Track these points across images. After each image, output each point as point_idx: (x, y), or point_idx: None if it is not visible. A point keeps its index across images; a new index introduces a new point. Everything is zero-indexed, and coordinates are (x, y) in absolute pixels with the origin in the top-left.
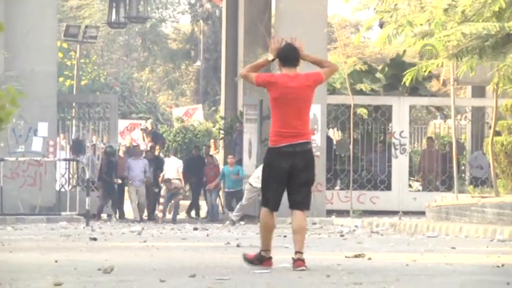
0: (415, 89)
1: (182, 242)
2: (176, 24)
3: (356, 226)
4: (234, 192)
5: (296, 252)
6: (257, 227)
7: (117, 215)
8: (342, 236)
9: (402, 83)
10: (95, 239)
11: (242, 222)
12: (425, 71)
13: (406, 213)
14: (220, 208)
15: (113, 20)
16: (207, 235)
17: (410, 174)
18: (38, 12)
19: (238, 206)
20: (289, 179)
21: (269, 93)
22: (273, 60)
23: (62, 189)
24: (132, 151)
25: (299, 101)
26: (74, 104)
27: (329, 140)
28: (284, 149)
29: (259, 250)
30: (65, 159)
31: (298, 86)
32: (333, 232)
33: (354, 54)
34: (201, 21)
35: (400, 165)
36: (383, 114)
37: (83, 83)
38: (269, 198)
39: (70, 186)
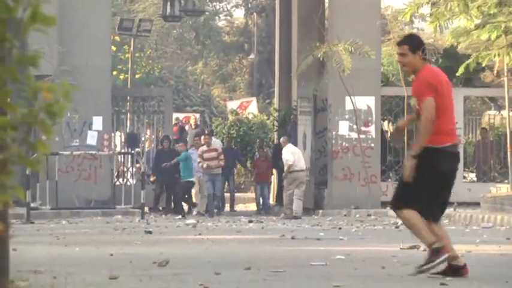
0: (469, 80)
1: (237, 234)
2: (230, 17)
3: None
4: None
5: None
6: (312, 219)
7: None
8: (397, 227)
9: (456, 74)
10: (150, 232)
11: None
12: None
13: (460, 204)
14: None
15: (167, 14)
16: (262, 228)
17: (465, 165)
18: (91, 6)
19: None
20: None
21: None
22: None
23: (117, 183)
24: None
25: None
26: (128, 98)
27: (383, 132)
28: (450, 149)
29: (431, 246)
30: (120, 153)
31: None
32: (387, 224)
33: None
34: (254, 14)
35: None
36: None
37: (137, 76)
38: (433, 209)
39: (125, 180)
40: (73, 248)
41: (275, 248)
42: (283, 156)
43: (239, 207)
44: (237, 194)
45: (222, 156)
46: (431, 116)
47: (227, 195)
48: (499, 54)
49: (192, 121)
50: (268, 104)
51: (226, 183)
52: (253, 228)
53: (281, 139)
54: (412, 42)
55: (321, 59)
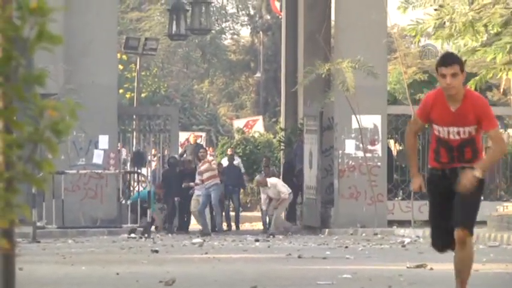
0: None
1: (243, 253)
2: (236, 36)
3: (417, 236)
4: None
5: None
6: (318, 238)
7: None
8: (404, 246)
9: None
10: (156, 251)
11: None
12: (486, 80)
13: None
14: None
15: (173, 32)
16: (269, 246)
17: None
18: (98, 25)
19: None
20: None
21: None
22: None
23: (123, 202)
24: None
25: None
26: (134, 116)
27: (389, 150)
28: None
29: None
30: (126, 172)
31: None
32: (394, 242)
33: (413, 64)
34: (260, 32)
35: None
36: None
37: (143, 95)
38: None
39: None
40: (79, 267)
41: (282, 267)
42: (281, 190)
43: (245, 226)
44: (243, 213)
45: (215, 167)
46: (505, 149)
47: (232, 214)
48: (503, 69)
49: (191, 138)
50: (274, 122)
51: (231, 201)
52: (259, 247)
53: (257, 178)
54: (460, 62)
55: (326, 76)
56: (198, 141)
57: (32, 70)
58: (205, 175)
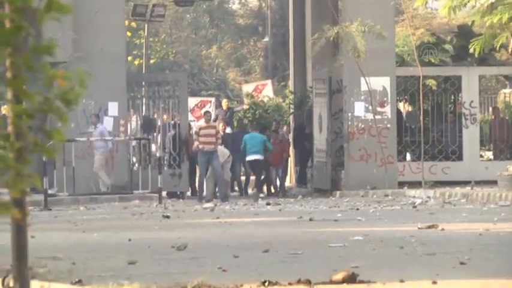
0: (483, 59)
1: (255, 217)
2: (243, 0)
3: (428, 197)
4: None
5: None
6: (329, 201)
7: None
8: (415, 207)
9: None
10: (167, 217)
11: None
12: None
13: (478, 183)
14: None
15: None
16: (280, 210)
17: (481, 143)
18: None
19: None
20: None
21: None
22: None
23: (134, 168)
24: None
25: None
26: (143, 83)
27: (399, 112)
28: None
29: None
30: (136, 138)
31: None
32: (405, 204)
33: (421, 25)
34: None
35: (470, 135)
36: (452, 84)
37: (152, 61)
38: None
39: (142, 165)
40: (91, 234)
41: (293, 230)
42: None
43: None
44: (252, 177)
45: (219, 135)
46: None
47: (242, 178)
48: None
49: (223, 103)
50: (283, 86)
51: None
52: (270, 211)
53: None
54: None
55: (335, 40)
56: (207, 106)
57: (41, 40)
58: (210, 140)
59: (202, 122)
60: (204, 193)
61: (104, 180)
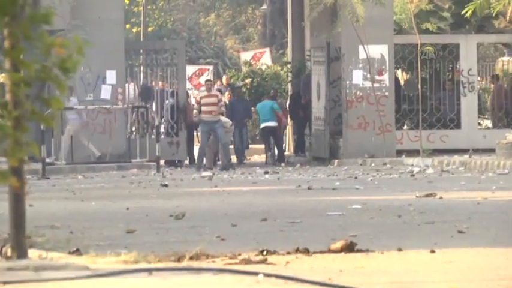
0: (481, 27)
1: (253, 186)
2: None
3: (426, 165)
4: None
5: None
6: (327, 169)
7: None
8: (413, 175)
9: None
10: (165, 186)
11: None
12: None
13: (476, 151)
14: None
15: None
16: (278, 178)
17: (480, 111)
18: None
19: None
20: None
21: None
22: None
23: (132, 137)
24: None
25: None
26: (141, 51)
27: (397, 80)
28: None
29: None
30: (134, 106)
31: None
32: (403, 172)
33: None
34: None
35: (469, 103)
36: (450, 52)
37: (150, 29)
38: None
39: (140, 133)
40: (89, 203)
41: (291, 199)
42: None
43: (254, 158)
44: (252, 146)
45: (222, 103)
46: None
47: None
48: (509, 3)
49: (223, 79)
50: (281, 54)
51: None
52: (269, 180)
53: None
54: None
55: (332, 7)
56: (205, 74)
57: (39, 9)
58: (212, 109)
59: (204, 92)
60: (204, 162)
61: (93, 151)
